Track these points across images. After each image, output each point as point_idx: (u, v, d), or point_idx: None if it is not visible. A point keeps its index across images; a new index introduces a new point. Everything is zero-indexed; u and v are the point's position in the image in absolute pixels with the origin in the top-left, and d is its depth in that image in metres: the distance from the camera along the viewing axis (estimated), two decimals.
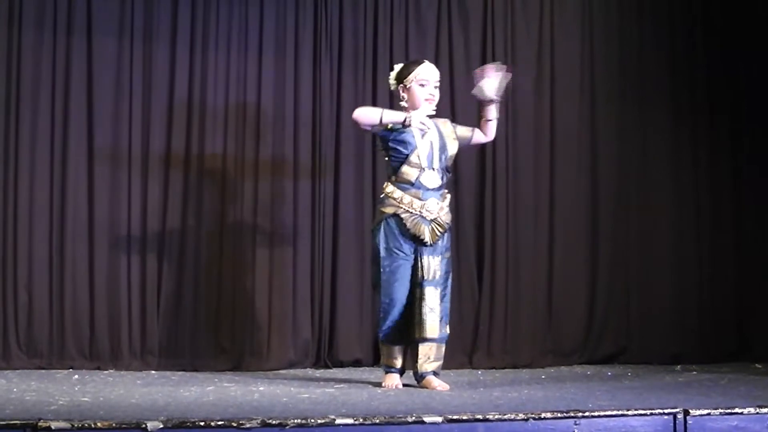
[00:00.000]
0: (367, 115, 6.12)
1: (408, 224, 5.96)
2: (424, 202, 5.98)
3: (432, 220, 5.98)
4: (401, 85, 6.15)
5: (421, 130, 6.03)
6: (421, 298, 5.96)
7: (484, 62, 7.58)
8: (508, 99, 7.61)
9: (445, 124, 6.20)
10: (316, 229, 7.36)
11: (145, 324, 7.06)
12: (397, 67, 6.28)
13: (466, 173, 7.63)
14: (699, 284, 7.94)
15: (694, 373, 7.07)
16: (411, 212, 5.97)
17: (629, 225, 7.90)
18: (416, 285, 5.99)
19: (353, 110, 6.18)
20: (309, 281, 7.34)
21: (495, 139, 7.54)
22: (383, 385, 6.05)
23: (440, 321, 6.02)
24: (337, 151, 7.45)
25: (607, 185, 7.88)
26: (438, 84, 6.17)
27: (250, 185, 7.27)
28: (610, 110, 7.92)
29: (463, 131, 6.25)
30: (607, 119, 7.91)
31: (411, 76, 6.10)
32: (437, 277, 6.00)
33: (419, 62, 6.24)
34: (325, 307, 7.33)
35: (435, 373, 6.05)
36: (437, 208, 6.01)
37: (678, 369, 7.36)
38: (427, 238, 5.96)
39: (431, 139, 6.05)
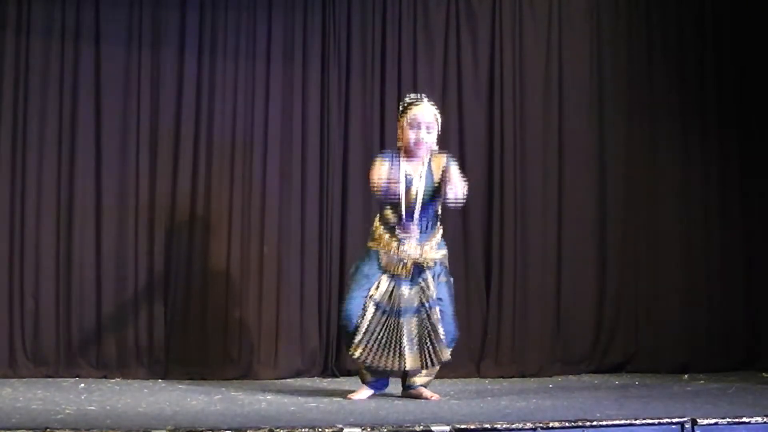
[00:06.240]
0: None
1: (383, 262, 5.97)
2: (403, 245, 5.94)
3: (409, 260, 5.96)
4: (399, 122, 6.10)
5: (408, 177, 5.96)
6: (398, 328, 5.90)
7: (492, 70, 7.65)
8: (516, 107, 7.65)
9: (438, 162, 6.01)
10: (323, 237, 7.36)
11: (152, 332, 7.06)
12: (405, 99, 6.15)
13: (474, 182, 7.60)
14: (707, 293, 7.90)
15: (702, 382, 7.05)
16: (388, 252, 5.96)
17: (638, 234, 7.87)
18: (393, 314, 5.93)
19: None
20: (317, 290, 7.34)
21: (503, 148, 7.59)
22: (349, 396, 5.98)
23: (443, 344, 5.92)
24: (345, 159, 7.44)
25: (615, 194, 7.84)
26: (431, 125, 6.00)
27: (258, 192, 7.27)
28: (618, 120, 7.89)
29: (443, 175, 5.92)
30: (616, 129, 7.88)
31: (405, 116, 6.02)
32: (414, 305, 5.93)
33: (417, 103, 6.06)
34: (332, 316, 7.30)
35: (423, 386, 6.03)
36: (417, 251, 5.94)
37: (686, 378, 7.33)
38: (401, 273, 5.95)
39: (417, 187, 5.96)
